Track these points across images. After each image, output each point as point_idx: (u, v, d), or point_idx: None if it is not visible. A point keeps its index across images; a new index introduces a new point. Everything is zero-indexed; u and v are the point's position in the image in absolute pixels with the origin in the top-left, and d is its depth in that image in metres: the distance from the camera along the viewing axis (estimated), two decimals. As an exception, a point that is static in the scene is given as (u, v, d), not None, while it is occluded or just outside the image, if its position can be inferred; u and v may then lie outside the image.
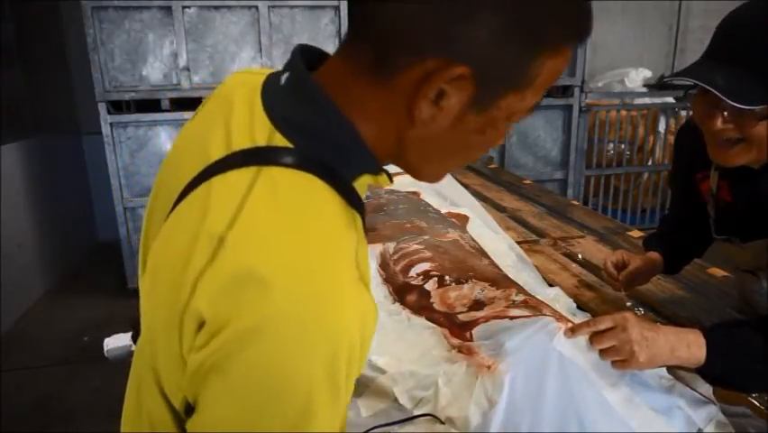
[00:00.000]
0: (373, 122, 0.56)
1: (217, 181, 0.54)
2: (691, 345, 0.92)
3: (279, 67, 0.63)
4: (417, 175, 0.63)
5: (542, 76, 0.55)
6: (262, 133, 0.55)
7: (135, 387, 0.61)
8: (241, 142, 0.56)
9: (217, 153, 0.56)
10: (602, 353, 0.92)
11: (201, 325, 0.48)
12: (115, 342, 0.97)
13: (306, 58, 0.59)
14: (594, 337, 0.92)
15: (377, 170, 0.59)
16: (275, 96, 0.58)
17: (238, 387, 0.47)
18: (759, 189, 1.05)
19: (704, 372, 0.95)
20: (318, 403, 0.48)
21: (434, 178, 0.64)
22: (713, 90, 0.90)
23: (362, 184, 0.60)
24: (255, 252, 0.48)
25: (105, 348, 0.97)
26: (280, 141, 0.55)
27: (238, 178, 0.53)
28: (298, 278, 0.48)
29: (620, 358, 0.91)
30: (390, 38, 0.53)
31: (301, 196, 0.53)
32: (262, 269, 0.47)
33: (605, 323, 0.93)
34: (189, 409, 0.52)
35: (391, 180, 0.61)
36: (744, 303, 1.28)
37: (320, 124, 0.55)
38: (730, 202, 1.14)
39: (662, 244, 1.35)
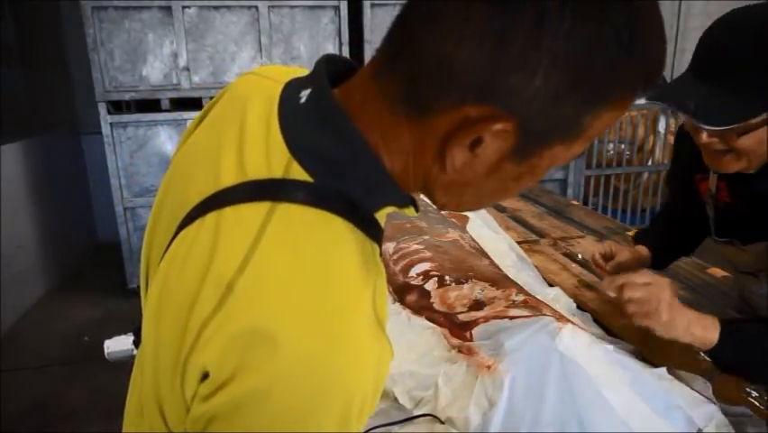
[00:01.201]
0: (401, 157, 0.52)
1: (228, 214, 0.50)
2: (707, 327, 0.97)
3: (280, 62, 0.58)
4: (443, 209, 0.59)
5: (595, 127, 0.50)
6: (279, 161, 0.50)
7: (137, 395, 0.59)
8: (255, 170, 0.51)
9: (229, 178, 0.52)
10: (627, 304, 0.97)
11: (205, 375, 0.45)
12: (116, 344, 0.97)
13: (331, 69, 0.54)
14: (627, 285, 0.98)
15: (404, 203, 0.55)
16: (294, 117, 0.53)
17: None
18: (757, 191, 1.05)
19: (714, 355, 0.99)
20: None
21: (460, 211, 0.61)
22: (684, 114, 0.94)
23: (385, 213, 0.56)
24: (265, 305, 0.45)
25: (106, 350, 0.96)
26: (298, 172, 0.50)
27: (251, 214, 0.49)
28: (310, 335, 0.44)
29: (644, 311, 0.96)
30: (433, 75, 0.46)
31: (318, 239, 0.48)
32: (272, 325, 0.44)
33: (644, 277, 0.99)
34: None
35: (417, 210, 0.56)
36: (744, 304, 1.28)
37: (344, 157, 0.50)
38: (729, 203, 1.14)
39: (652, 240, 1.36)
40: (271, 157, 0.51)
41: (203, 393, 0.46)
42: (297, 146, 0.51)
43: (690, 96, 0.93)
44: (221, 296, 0.45)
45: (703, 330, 0.96)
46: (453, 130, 0.47)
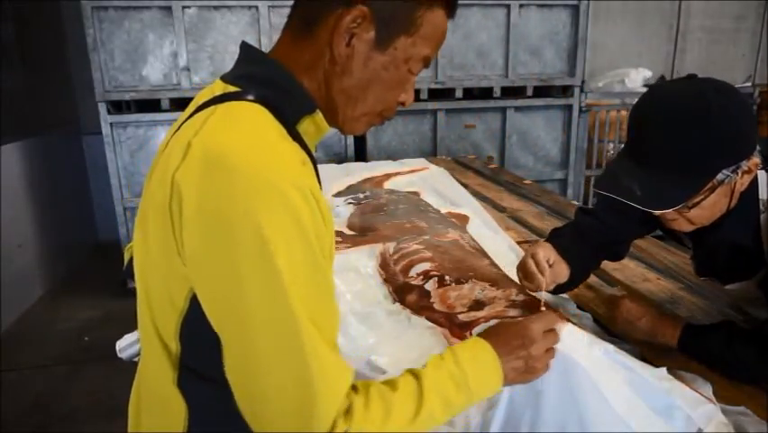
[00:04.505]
0: (308, 70, 0.73)
1: (183, 126, 0.69)
2: (666, 336, 1.10)
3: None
4: (344, 122, 0.77)
5: (424, 27, 0.73)
6: (218, 90, 0.72)
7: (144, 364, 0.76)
8: (203, 100, 0.71)
9: (185, 116, 0.72)
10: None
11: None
12: (126, 340, 0.98)
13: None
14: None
15: (312, 107, 0.74)
16: (230, 71, 0.76)
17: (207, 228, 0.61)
18: (720, 238, 1.07)
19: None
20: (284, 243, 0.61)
21: (356, 123, 0.77)
22: (632, 204, 0.93)
23: (307, 132, 0.74)
24: (214, 140, 0.63)
25: (118, 349, 0.97)
26: (233, 89, 0.71)
27: (200, 115, 0.68)
28: (244, 147, 0.63)
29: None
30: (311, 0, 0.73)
31: (250, 113, 0.67)
32: (218, 147, 0.62)
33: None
34: (184, 338, 0.67)
35: (328, 122, 0.76)
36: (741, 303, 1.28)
37: (263, 74, 0.73)
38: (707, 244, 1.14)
39: (573, 258, 1.19)
40: (214, 91, 0.72)
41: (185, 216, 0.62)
42: (230, 77, 0.74)
43: (633, 184, 0.94)
44: (184, 151, 0.64)
45: (663, 339, 1.10)
46: (333, 30, 0.71)
